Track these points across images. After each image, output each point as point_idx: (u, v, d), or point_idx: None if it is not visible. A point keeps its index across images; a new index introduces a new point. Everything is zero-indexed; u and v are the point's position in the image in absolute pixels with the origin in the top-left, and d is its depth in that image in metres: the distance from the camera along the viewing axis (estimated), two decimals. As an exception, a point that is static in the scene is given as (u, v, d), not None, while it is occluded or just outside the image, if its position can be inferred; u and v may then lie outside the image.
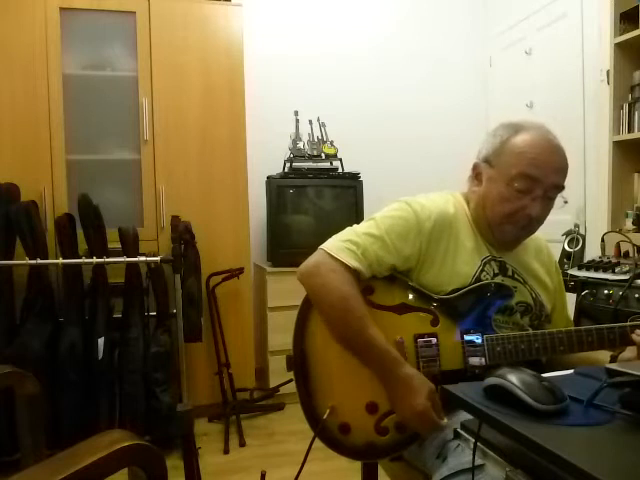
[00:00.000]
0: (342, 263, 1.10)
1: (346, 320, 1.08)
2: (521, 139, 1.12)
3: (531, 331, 1.13)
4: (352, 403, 1.10)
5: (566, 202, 1.18)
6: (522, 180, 1.10)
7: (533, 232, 1.20)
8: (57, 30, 2.51)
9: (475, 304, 1.13)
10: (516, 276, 1.20)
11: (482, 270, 1.15)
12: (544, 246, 1.32)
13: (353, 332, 1.08)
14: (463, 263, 1.15)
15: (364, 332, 1.07)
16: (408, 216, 1.15)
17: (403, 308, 1.13)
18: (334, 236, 1.17)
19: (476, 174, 1.21)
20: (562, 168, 1.13)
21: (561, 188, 1.14)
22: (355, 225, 1.19)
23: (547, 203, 1.14)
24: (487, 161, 1.17)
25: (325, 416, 1.09)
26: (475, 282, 1.14)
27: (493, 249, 1.20)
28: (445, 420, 1.03)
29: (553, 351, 1.08)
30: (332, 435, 1.10)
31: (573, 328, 1.10)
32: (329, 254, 1.12)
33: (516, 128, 1.15)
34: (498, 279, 1.16)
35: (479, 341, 1.10)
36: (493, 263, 1.18)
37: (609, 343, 1.08)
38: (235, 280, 2.72)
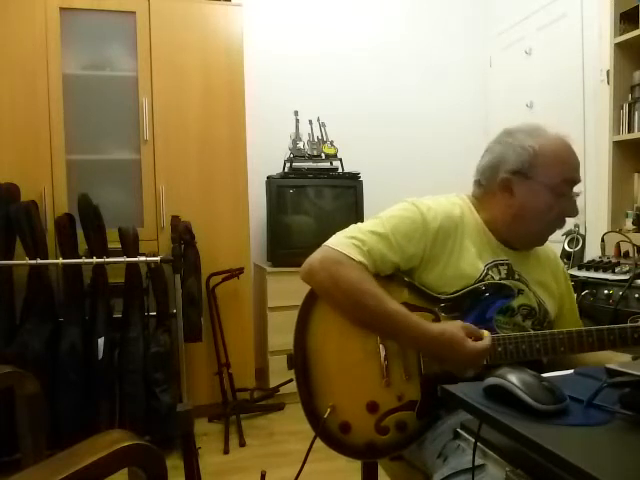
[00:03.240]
0: (347, 256, 1.10)
1: (363, 303, 1.08)
2: (554, 145, 1.15)
3: (532, 331, 1.13)
4: (353, 402, 1.10)
5: (577, 194, 1.22)
6: (567, 185, 1.15)
7: None
8: (57, 30, 2.51)
9: (476, 304, 1.13)
10: (522, 280, 1.19)
11: (486, 274, 1.15)
12: (552, 253, 1.32)
13: (373, 312, 1.08)
14: (466, 266, 1.14)
15: (385, 308, 1.07)
16: (414, 216, 1.15)
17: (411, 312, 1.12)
18: (338, 233, 1.17)
19: (504, 187, 1.18)
20: None
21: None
22: (360, 223, 1.18)
23: None
24: (520, 173, 1.16)
25: (326, 415, 1.09)
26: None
27: (502, 251, 1.20)
28: (485, 334, 1.05)
29: (554, 352, 1.08)
30: (332, 434, 1.10)
31: (574, 329, 1.09)
32: (334, 249, 1.11)
33: (539, 133, 1.16)
34: (504, 281, 1.16)
35: None
36: (500, 267, 1.17)
37: (609, 344, 1.08)
38: (235, 280, 2.72)
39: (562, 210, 1.16)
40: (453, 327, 1.05)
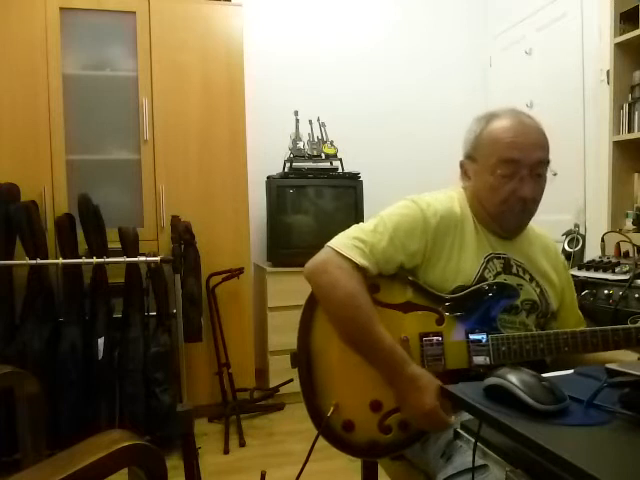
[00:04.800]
0: (350, 261, 1.10)
1: (353, 318, 1.08)
2: (494, 127, 1.16)
3: (536, 331, 1.13)
4: (356, 401, 1.10)
5: (555, 174, 1.20)
6: (503, 165, 1.13)
7: (533, 213, 1.20)
8: (57, 30, 2.51)
9: (480, 303, 1.13)
10: (521, 273, 1.20)
11: (485, 267, 1.16)
12: (551, 244, 1.32)
13: (360, 331, 1.08)
14: (467, 260, 1.15)
15: (371, 331, 1.07)
16: (414, 213, 1.16)
17: (408, 306, 1.13)
18: (341, 233, 1.17)
19: (464, 172, 1.24)
20: (540, 143, 1.15)
21: (546, 163, 1.16)
22: (361, 223, 1.19)
23: (537, 181, 1.15)
24: (469, 157, 1.21)
25: (329, 413, 1.09)
26: (479, 279, 1.14)
27: (498, 244, 1.20)
28: (453, 418, 1.02)
29: (558, 352, 1.08)
30: (335, 433, 1.10)
31: (578, 329, 1.10)
32: (337, 251, 1.12)
33: (487, 118, 1.18)
34: (501, 278, 1.16)
35: (484, 341, 1.10)
36: (496, 261, 1.18)
37: (613, 345, 1.08)
38: (235, 280, 2.72)
39: (512, 190, 1.13)
40: (432, 381, 1.04)
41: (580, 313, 1.35)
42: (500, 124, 1.15)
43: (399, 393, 1.07)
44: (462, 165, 1.24)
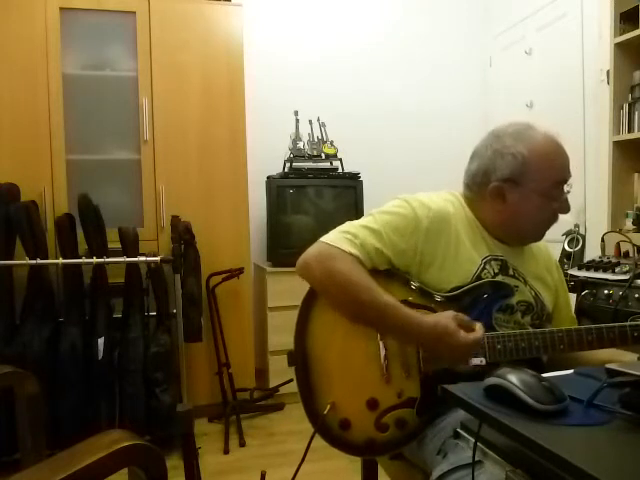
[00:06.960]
0: (341, 250, 1.11)
1: (356, 295, 1.08)
2: (541, 149, 1.15)
3: (531, 329, 1.13)
4: (353, 399, 1.10)
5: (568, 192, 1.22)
6: (557, 188, 1.16)
7: None
8: (57, 30, 2.51)
9: (476, 302, 1.13)
10: (517, 275, 1.20)
11: (483, 269, 1.16)
12: (543, 245, 1.33)
13: (366, 304, 1.08)
14: (464, 261, 1.15)
15: (377, 301, 1.07)
16: (406, 212, 1.16)
17: (404, 305, 1.13)
18: (332, 230, 1.18)
19: (496, 194, 1.18)
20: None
21: None
22: (354, 220, 1.20)
23: None
24: (510, 181, 1.16)
25: (325, 412, 1.10)
26: (476, 280, 1.14)
27: (497, 246, 1.21)
28: (478, 327, 1.05)
29: (553, 349, 1.08)
30: (332, 431, 1.11)
31: (573, 327, 1.10)
32: (328, 244, 1.13)
33: (526, 138, 1.15)
34: (499, 278, 1.16)
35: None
36: (494, 262, 1.18)
37: (609, 342, 1.08)
38: (235, 280, 2.72)
39: (554, 210, 1.18)
40: (446, 319, 1.05)
41: (573, 315, 1.36)
42: (549, 145, 1.16)
43: (430, 348, 1.08)
44: (497, 189, 1.17)
